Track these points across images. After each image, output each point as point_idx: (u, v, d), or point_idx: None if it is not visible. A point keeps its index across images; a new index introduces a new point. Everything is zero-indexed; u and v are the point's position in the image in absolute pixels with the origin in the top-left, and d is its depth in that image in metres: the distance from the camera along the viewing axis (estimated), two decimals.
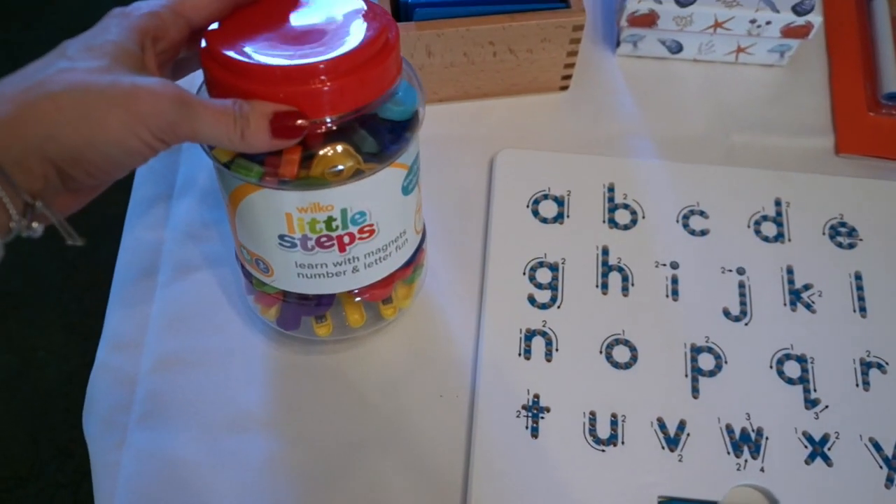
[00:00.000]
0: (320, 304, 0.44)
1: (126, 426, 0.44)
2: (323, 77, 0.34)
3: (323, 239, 0.40)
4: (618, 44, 0.55)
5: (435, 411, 0.44)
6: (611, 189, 0.50)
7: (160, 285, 0.48)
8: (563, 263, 0.48)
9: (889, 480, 0.43)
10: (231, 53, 0.34)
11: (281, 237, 0.40)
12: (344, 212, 0.39)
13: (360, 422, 0.44)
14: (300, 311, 0.45)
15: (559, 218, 0.49)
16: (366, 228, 0.40)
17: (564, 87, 0.54)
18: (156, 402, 0.45)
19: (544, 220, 0.49)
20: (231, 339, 0.46)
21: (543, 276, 0.48)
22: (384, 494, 0.43)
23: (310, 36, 0.35)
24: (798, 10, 0.51)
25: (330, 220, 0.39)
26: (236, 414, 0.45)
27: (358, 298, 0.44)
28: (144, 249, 0.49)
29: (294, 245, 0.40)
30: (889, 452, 0.44)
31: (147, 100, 0.31)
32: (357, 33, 0.35)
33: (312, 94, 0.34)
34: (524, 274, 0.48)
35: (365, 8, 0.37)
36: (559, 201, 0.50)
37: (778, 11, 0.51)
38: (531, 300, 0.47)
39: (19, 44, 1.39)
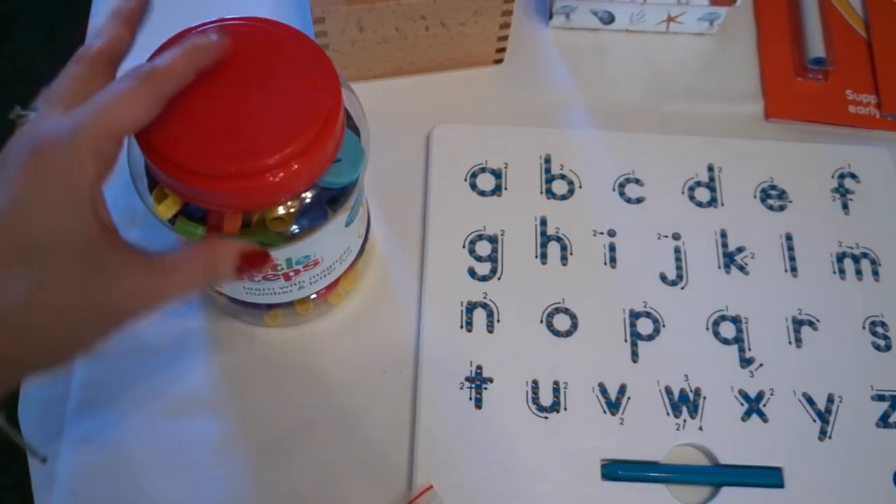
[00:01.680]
0: (270, 306, 0.44)
1: (63, 416, 0.44)
2: (273, 173, 0.32)
3: (269, 276, 0.39)
4: (550, 16, 0.55)
5: (380, 387, 0.44)
6: (547, 160, 0.51)
7: None
8: (501, 235, 0.48)
9: (822, 433, 0.44)
10: (177, 155, 0.32)
11: None
12: (289, 260, 0.39)
13: (306, 401, 0.44)
14: (251, 309, 0.44)
15: (497, 190, 0.50)
16: (310, 264, 0.40)
17: (499, 61, 0.54)
18: (94, 391, 0.44)
19: (482, 193, 0.49)
20: (172, 322, 0.46)
21: (483, 248, 0.48)
22: (332, 472, 0.43)
23: (252, 119, 0.32)
24: None
25: (275, 266, 0.39)
26: (179, 399, 0.44)
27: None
28: None
29: (240, 279, 0.39)
30: (822, 406, 0.45)
31: (126, 300, 0.29)
32: (298, 114, 0.33)
33: (261, 188, 0.32)
34: (464, 247, 0.48)
35: (306, 76, 0.34)
36: (496, 174, 0.50)
37: None
38: (471, 273, 0.47)
39: None
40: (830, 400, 0.45)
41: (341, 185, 0.37)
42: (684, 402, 0.45)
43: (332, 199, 0.37)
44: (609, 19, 0.55)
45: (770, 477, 0.43)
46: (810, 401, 0.45)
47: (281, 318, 0.45)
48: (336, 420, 0.44)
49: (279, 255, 0.37)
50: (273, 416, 0.44)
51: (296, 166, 0.32)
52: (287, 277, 0.40)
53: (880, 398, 0.45)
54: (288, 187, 0.33)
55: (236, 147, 0.32)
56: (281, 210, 0.35)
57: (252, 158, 0.31)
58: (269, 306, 0.44)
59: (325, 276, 0.42)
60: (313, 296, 0.43)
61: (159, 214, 0.35)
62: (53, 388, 0.44)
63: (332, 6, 0.47)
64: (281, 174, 0.32)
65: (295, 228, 0.36)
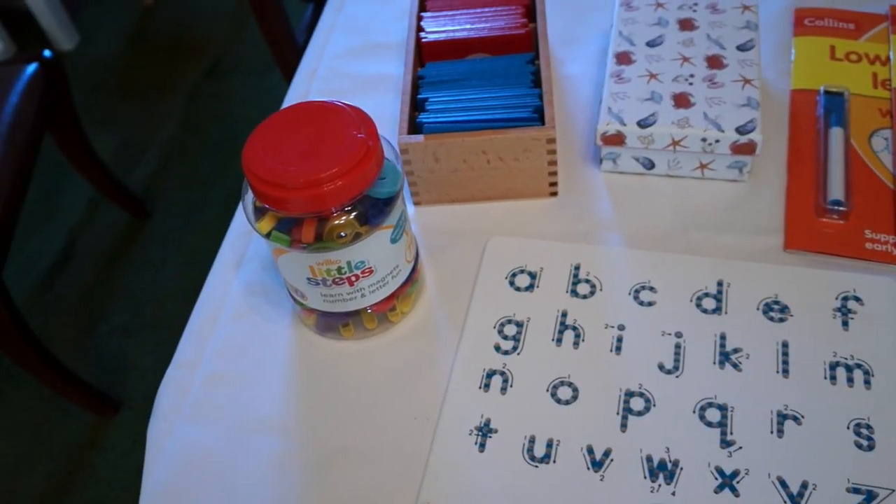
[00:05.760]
0: (344, 316, 0.59)
1: (176, 422, 0.58)
2: (327, 184, 0.50)
3: (336, 279, 0.55)
4: (601, 161, 0.67)
5: (408, 426, 0.55)
6: (577, 268, 0.61)
7: (220, 325, 0.63)
8: (527, 322, 0.59)
9: None
10: (268, 173, 0.50)
11: (308, 279, 0.55)
12: (349, 262, 0.54)
13: (348, 430, 0.56)
14: (331, 321, 0.60)
15: (530, 288, 0.60)
16: (366, 270, 0.55)
17: (554, 194, 0.67)
18: (199, 407, 0.58)
19: (518, 289, 0.61)
20: (266, 361, 0.60)
21: (510, 330, 0.58)
22: (358, 487, 0.53)
23: (317, 154, 0.51)
24: (741, 131, 0.62)
25: (339, 268, 0.54)
26: (257, 419, 0.57)
27: (369, 311, 0.58)
28: (215, 298, 0.65)
29: (317, 284, 0.55)
30: (795, 490, 0.49)
31: None
32: (347, 149, 0.51)
33: (321, 195, 0.50)
34: (494, 328, 0.59)
35: (355, 128, 0.52)
36: (532, 275, 0.61)
37: (723, 131, 0.62)
38: (497, 348, 0.58)
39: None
40: (804, 486, 0.49)
41: (387, 195, 0.54)
42: (662, 470, 0.51)
43: (379, 211, 0.54)
44: (650, 165, 0.66)
45: None
46: (783, 484, 0.49)
47: (354, 332, 0.59)
48: (368, 448, 0.54)
49: (341, 256, 0.53)
50: (324, 437, 0.55)
51: (340, 182, 0.49)
52: (350, 282, 0.55)
53: (856, 491, 0.48)
54: (342, 194, 0.50)
55: (306, 168, 0.50)
56: (343, 219, 0.51)
57: (315, 174, 0.49)
58: (344, 318, 0.58)
59: (380, 286, 0.56)
60: (369, 311, 0.58)
61: (260, 230, 0.53)
62: (175, 401, 0.59)
63: (413, 141, 0.62)
64: (336, 184, 0.49)
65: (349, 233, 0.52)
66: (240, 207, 0.71)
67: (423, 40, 0.71)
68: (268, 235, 0.53)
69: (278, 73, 1.49)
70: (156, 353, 1.46)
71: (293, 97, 0.80)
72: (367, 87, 0.78)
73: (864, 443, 0.50)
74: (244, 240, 0.69)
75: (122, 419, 1.39)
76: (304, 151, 0.51)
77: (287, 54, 1.45)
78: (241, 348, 0.61)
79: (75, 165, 1.48)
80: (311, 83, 0.81)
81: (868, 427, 0.51)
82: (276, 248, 0.54)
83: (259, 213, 0.54)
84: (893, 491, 0.48)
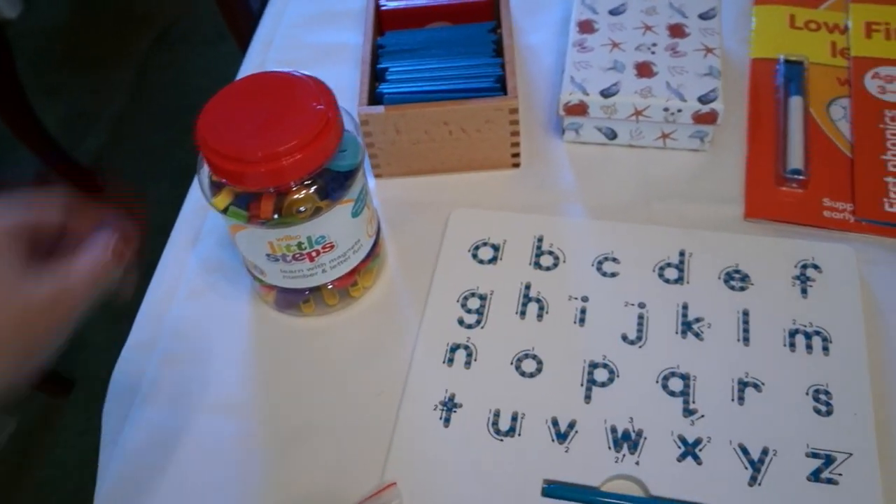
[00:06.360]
0: (304, 292, 0.57)
1: (132, 405, 0.57)
2: (286, 157, 0.48)
3: (296, 255, 0.53)
4: (563, 131, 0.67)
5: (372, 402, 0.54)
6: (540, 240, 0.61)
7: (176, 302, 0.61)
8: (490, 294, 0.58)
9: (752, 479, 0.49)
10: (224, 147, 0.48)
11: (267, 255, 0.54)
12: (309, 238, 0.53)
13: (311, 407, 0.55)
14: (291, 297, 0.58)
15: (493, 260, 0.60)
16: (327, 245, 0.54)
17: (516, 165, 0.66)
18: (157, 388, 0.57)
19: (481, 262, 0.60)
20: (224, 339, 0.59)
21: (473, 303, 0.58)
22: (318, 466, 0.52)
23: (275, 126, 0.49)
24: (702, 100, 0.61)
25: (299, 244, 0.53)
26: (217, 399, 0.56)
27: (330, 286, 0.57)
28: (170, 276, 0.63)
29: (277, 260, 0.54)
30: (756, 456, 0.49)
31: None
32: (306, 121, 0.49)
33: (280, 169, 0.48)
34: (458, 301, 0.58)
35: (313, 100, 0.50)
36: (495, 247, 0.61)
37: (685, 101, 0.61)
38: (460, 321, 0.57)
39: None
40: (765, 452, 0.49)
41: (348, 168, 0.52)
42: (626, 440, 0.51)
43: (340, 185, 0.52)
44: (612, 135, 0.66)
45: None
46: (745, 450, 0.50)
47: (314, 308, 0.58)
48: (334, 425, 0.54)
49: (301, 232, 0.51)
50: (286, 415, 0.54)
51: (299, 155, 0.48)
52: (311, 258, 0.53)
53: (815, 455, 0.49)
54: (301, 167, 0.48)
55: (263, 141, 0.48)
56: (302, 193, 0.50)
57: (273, 147, 0.47)
58: (305, 294, 0.57)
59: (341, 262, 0.55)
60: (330, 287, 0.57)
61: (216, 206, 0.51)
62: (131, 384, 0.58)
63: (374, 112, 0.61)
64: (295, 157, 0.48)
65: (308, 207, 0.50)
66: (195, 182, 0.69)
67: (383, 8, 0.69)
68: (224, 211, 0.52)
69: (232, 42, 1.45)
70: (110, 329, 1.43)
71: (248, 68, 0.78)
72: (325, 57, 0.77)
73: (823, 408, 0.51)
74: (199, 215, 0.67)
75: (76, 398, 1.36)
76: (261, 124, 0.49)
77: (241, 22, 1.41)
78: (199, 327, 0.60)
79: (20, 138, 1.44)
80: (266, 53, 0.79)
81: (826, 393, 0.51)
82: (234, 224, 0.53)
83: (215, 187, 0.53)
84: (851, 455, 0.49)
